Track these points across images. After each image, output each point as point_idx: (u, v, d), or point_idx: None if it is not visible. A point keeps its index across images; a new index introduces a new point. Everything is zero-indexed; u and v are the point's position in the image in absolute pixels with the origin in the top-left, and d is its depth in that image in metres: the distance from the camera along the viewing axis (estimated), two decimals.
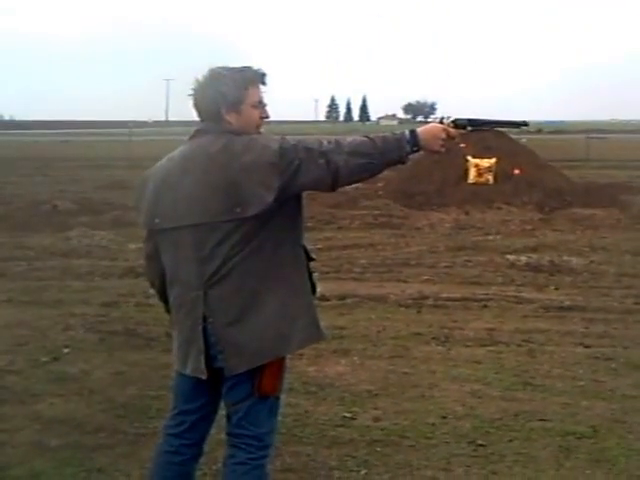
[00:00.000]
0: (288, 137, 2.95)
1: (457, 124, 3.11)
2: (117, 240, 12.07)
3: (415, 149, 2.96)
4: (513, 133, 20.22)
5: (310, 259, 3.18)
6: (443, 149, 3.04)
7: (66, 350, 6.46)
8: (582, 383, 5.64)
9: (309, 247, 3.20)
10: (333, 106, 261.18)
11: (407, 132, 2.97)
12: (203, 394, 3.16)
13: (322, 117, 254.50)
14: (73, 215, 14.93)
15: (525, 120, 3.38)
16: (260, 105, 3.07)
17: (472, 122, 3.17)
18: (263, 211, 2.85)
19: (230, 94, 2.98)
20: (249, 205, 2.84)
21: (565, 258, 10.36)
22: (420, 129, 3.00)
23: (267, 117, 3.12)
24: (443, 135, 3.02)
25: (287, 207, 2.96)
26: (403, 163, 2.99)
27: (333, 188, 2.95)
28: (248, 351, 2.95)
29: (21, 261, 10.56)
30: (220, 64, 3.08)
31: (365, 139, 2.95)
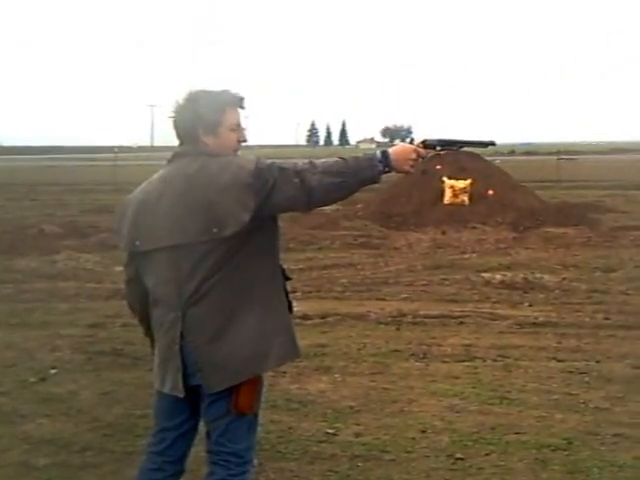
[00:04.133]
0: (263, 159, 2.96)
1: (427, 144, 3.13)
2: (103, 263, 11.98)
3: (387, 169, 2.97)
4: (487, 154, 20.37)
5: (287, 278, 3.18)
6: (413, 169, 3.05)
7: (53, 371, 6.41)
8: (556, 396, 5.66)
9: (287, 267, 3.21)
10: (313, 130, 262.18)
11: (379, 152, 2.98)
12: (183, 411, 3.14)
13: (303, 141, 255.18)
14: (59, 238, 14.83)
15: (492, 140, 3.38)
16: (238, 128, 3.08)
17: (441, 142, 3.18)
18: (240, 231, 2.84)
19: (207, 116, 2.99)
20: (226, 225, 2.84)
21: (538, 276, 10.41)
22: (391, 149, 3.01)
23: (245, 140, 3.13)
24: (413, 155, 3.02)
25: (264, 228, 2.96)
26: (376, 182, 2.99)
27: (308, 207, 2.96)
28: (226, 369, 2.94)
29: (8, 284, 10.46)
30: (200, 87, 3.09)
31: (338, 159, 2.95)
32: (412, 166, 3.04)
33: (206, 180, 2.90)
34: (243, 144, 3.13)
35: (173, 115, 3.07)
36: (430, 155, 3.17)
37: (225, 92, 3.07)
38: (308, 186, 2.85)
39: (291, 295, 3.23)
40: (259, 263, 2.99)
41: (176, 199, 2.94)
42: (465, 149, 3.37)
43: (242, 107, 3.11)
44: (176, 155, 3.07)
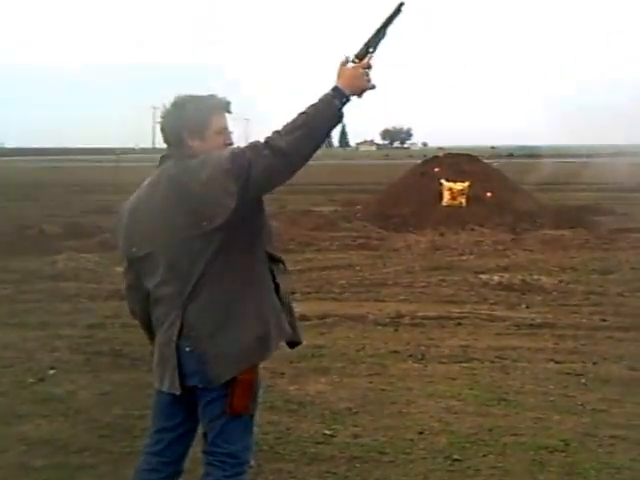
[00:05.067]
0: (237, 146, 2.97)
1: (360, 55, 3.02)
2: (103, 263, 11.94)
3: (345, 100, 2.92)
4: (485, 157, 20.38)
5: (277, 260, 3.16)
6: (370, 82, 2.99)
7: (52, 371, 6.37)
8: (553, 398, 5.63)
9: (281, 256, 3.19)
10: None
11: (330, 89, 2.93)
12: (180, 412, 3.14)
13: None
14: (60, 239, 14.80)
15: (401, 1, 3.23)
16: (224, 132, 3.09)
17: (368, 44, 3.05)
18: (229, 219, 2.84)
19: (193, 120, 3.01)
20: (214, 216, 2.85)
21: (536, 277, 10.39)
22: (338, 80, 2.95)
23: (231, 144, 3.12)
24: (360, 71, 2.98)
25: (251, 218, 2.97)
26: (341, 119, 2.93)
27: (289, 170, 2.90)
28: (231, 358, 2.95)
29: (8, 284, 10.43)
30: (187, 92, 3.10)
31: (296, 115, 2.91)
32: (368, 80, 2.99)
33: (188, 177, 2.92)
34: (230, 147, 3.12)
35: (160, 120, 3.10)
36: (370, 59, 3.08)
37: (211, 97, 3.09)
38: (279, 150, 2.82)
39: (290, 296, 3.21)
40: (250, 251, 3.01)
41: (164, 200, 2.97)
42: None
43: (229, 111, 3.12)
44: (162, 158, 3.10)
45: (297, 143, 2.85)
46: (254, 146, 2.86)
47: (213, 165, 2.87)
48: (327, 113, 2.91)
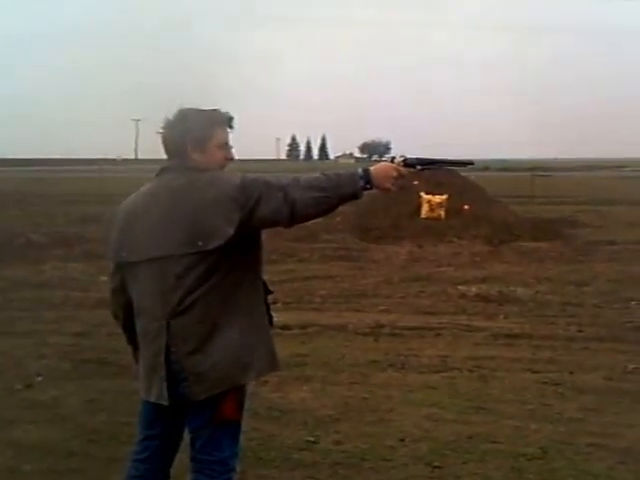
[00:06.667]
0: (249, 174, 2.97)
1: (407, 163, 3.11)
2: (89, 272, 11.89)
3: (368, 186, 2.96)
4: (463, 170, 20.50)
5: (268, 292, 3.18)
6: (394, 187, 3.04)
7: (39, 378, 6.35)
8: (531, 407, 5.66)
9: (268, 278, 3.21)
10: (294, 145, 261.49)
11: (360, 170, 2.98)
12: (166, 420, 3.12)
13: (283, 156, 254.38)
14: (46, 248, 14.71)
15: (471, 159, 3.40)
16: (226, 146, 3.09)
17: (421, 161, 3.17)
18: (224, 244, 2.84)
19: (196, 133, 3.00)
20: (210, 238, 2.84)
21: (513, 289, 10.46)
22: (373, 167, 3.01)
23: (232, 158, 3.13)
24: (394, 174, 3.02)
25: (248, 242, 2.97)
26: (357, 198, 2.99)
27: (291, 221, 2.94)
28: (209, 379, 2.93)
29: None
30: (189, 105, 3.10)
31: (320, 175, 2.96)
32: (393, 184, 3.03)
33: (192, 194, 2.90)
34: (230, 162, 3.14)
35: (162, 131, 3.07)
36: (410, 173, 3.17)
37: (215, 111, 3.09)
38: (291, 200, 2.85)
39: (272, 306, 3.23)
40: (242, 276, 2.99)
41: (162, 212, 2.94)
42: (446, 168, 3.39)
43: (231, 127, 3.12)
44: (163, 169, 3.07)
45: (309, 202, 2.89)
46: (269, 184, 2.88)
47: (220, 189, 2.87)
48: (347, 189, 2.94)
